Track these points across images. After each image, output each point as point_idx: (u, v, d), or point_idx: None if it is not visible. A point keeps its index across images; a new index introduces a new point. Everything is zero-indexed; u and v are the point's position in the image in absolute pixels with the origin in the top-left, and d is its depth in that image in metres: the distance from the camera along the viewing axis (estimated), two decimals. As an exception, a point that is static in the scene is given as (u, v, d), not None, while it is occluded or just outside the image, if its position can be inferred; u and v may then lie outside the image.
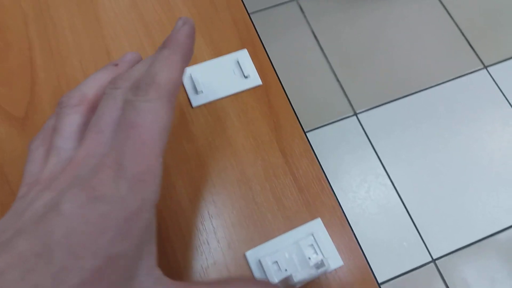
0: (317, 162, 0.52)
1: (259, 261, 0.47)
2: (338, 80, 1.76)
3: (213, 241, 0.48)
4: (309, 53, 1.75)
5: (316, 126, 1.61)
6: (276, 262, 0.47)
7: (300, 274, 0.41)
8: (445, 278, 1.45)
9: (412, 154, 1.65)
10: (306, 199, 0.50)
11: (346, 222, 0.50)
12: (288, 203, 0.50)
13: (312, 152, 0.53)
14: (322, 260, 0.41)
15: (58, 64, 0.56)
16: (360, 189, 1.63)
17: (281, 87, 0.55)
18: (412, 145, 1.67)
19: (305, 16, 1.83)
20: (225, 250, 0.48)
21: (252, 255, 0.48)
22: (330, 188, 0.51)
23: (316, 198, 0.50)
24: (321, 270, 0.41)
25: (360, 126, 1.69)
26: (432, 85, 1.77)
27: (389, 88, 1.82)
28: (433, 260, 1.46)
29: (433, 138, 1.68)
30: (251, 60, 0.56)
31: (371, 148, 1.64)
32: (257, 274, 0.47)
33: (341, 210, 0.50)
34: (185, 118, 0.54)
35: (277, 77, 0.56)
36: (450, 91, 1.72)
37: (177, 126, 0.54)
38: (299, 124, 0.54)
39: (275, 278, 0.45)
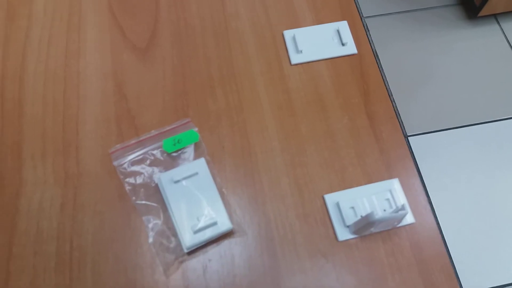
0: (401, 129, 0.56)
1: (337, 203, 0.51)
2: (393, 100, 1.79)
3: (294, 181, 0.52)
4: (369, 69, 1.79)
5: (420, 177, 1.62)
6: (353, 207, 0.50)
7: (378, 209, 0.44)
8: (475, 313, 1.41)
9: (457, 184, 1.63)
10: (387, 160, 0.54)
11: (422, 187, 0.53)
12: (368, 160, 0.54)
13: (397, 119, 0.57)
14: (403, 205, 0.44)
15: (179, 7, 0.63)
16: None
17: (374, 59, 0.60)
18: (458, 176, 1.66)
19: (369, 34, 1.88)
20: (305, 190, 0.52)
21: (330, 197, 0.51)
22: (411, 154, 0.55)
23: (396, 161, 0.54)
24: (401, 213, 0.44)
25: (409, 149, 1.69)
26: (487, 120, 1.77)
27: (443, 117, 1.82)
28: (465, 293, 1.43)
29: (481, 173, 1.66)
30: (349, 31, 0.61)
31: (417, 171, 1.64)
32: (334, 215, 0.50)
33: (418, 176, 0.54)
34: (283, 73, 0.59)
35: (371, 49, 0.60)
36: (505, 129, 1.71)
37: (276, 79, 0.59)
38: (387, 93, 0.58)
39: (353, 219, 0.49)
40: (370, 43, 0.61)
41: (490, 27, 1.97)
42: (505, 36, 1.95)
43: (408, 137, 1.76)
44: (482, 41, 1.95)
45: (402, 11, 2.03)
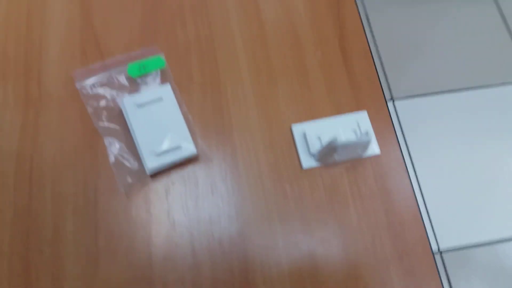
0: (374, 66, 0.55)
1: (304, 133, 0.50)
2: (382, 63, 1.77)
3: (262, 112, 0.52)
4: (359, 32, 1.76)
5: (388, 109, 1.62)
6: (319, 137, 0.50)
7: (344, 138, 0.44)
8: (448, 271, 1.46)
9: (440, 147, 1.65)
10: (356, 94, 0.53)
11: (390, 120, 0.53)
12: (338, 93, 0.53)
13: (371, 56, 0.56)
14: (367, 131, 0.44)
15: None
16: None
17: (352, -5, 0.58)
18: (442, 139, 1.67)
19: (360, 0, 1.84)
20: (273, 121, 0.51)
21: (298, 127, 0.51)
22: (381, 89, 0.54)
23: (366, 95, 0.53)
24: (364, 139, 0.44)
25: (394, 112, 1.69)
26: (475, 86, 1.77)
27: (431, 82, 1.82)
28: (440, 252, 1.47)
29: (465, 137, 1.67)
30: (328, -36, 0.59)
31: (401, 134, 1.65)
32: (300, 144, 0.50)
33: (387, 109, 0.53)
34: (257, 5, 0.57)
35: (349, -17, 0.59)
36: (491, 96, 1.71)
37: (249, 10, 0.57)
38: (362, 29, 0.57)
39: (318, 147, 0.48)
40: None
41: (483, -6, 1.93)
42: (496, 4, 1.92)
43: (395, 101, 1.76)
44: (474, 9, 1.92)
45: (395, -26, 1.97)
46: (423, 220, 0.47)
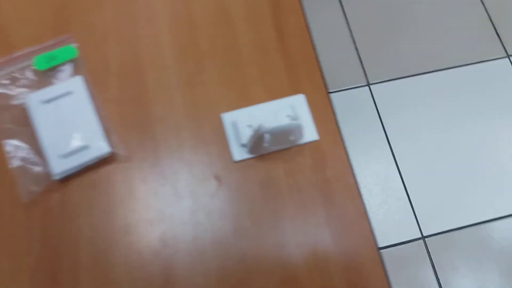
0: (311, 43, 0.50)
1: (234, 122, 0.45)
2: (356, 48, 1.72)
3: (189, 101, 0.46)
4: (331, 16, 1.71)
5: (327, 91, 1.57)
6: (251, 126, 0.45)
7: (271, 123, 0.39)
8: (432, 256, 1.42)
9: (419, 131, 1.61)
10: (294, 75, 0.48)
11: (329, 103, 0.48)
12: (273, 76, 0.48)
13: (307, 32, 0.51)
14: (296, 114, 0.39)
15: None
16: (361, 159, 1.60)
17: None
18: (421, 123, 1.63)
19: (332, -21, 1.79)
20: (201, 110, 0.46)
21: (228, 116, 0.46)
22: (319, 69, 0.49)
23: (303, 76, 0.48)
24: (293, 123, 0.39)
25: (371, 98, 1.65)
26: (451, 66, 1.73)
27: (407, 64, 1.78)
28: (423, 237, 1.44)
29: (443, 119, 1.64)
30: None
31: (379, 120, 1.61)
32: (230, 135, 0.45)
33: (326, 92, 0.48)
34: (182, -18, 0.52)
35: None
36: (468, 75, 1.68)
37: (174, -11, 0.52)
38: (299, 4, 0.52)
39: (247, 137, 0.43)
40: None
41: (458, -31, 1.88)
42: (471, -21, 1.87)
43: (371, 85, 1.71)
44: (449, -14, 1.86)
45: (365, -47, 1.92)
46: (366, 211, 0.42)
